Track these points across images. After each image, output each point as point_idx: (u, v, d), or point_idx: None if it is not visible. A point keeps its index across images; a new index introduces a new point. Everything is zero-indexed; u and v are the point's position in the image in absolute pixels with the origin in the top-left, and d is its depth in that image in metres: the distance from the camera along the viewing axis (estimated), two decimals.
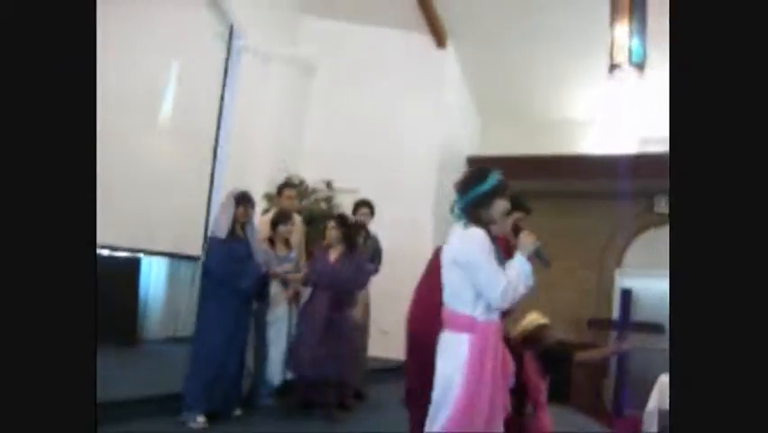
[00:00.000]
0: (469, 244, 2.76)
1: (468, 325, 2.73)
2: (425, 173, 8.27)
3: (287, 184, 6.16)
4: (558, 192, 8.72)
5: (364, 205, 6.03)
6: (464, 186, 2.90)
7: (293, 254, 5.50)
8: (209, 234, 5.16)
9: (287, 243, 5.46)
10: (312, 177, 7.99)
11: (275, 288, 5.27)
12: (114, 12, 6.79)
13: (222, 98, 8.20)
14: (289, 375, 5.29)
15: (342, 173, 8.00)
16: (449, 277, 2.84)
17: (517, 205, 3.27)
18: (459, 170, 8.51)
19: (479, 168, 3.02)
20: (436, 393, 2.77)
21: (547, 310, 3.93)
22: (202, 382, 4.63)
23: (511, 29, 7.79)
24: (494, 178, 2.87)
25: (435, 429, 2.73)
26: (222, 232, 4.82)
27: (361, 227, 5.79)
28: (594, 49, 7.07)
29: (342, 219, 5.37)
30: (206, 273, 4.92)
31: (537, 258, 2.84)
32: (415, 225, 7.99)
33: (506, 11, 7.62)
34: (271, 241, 5.36)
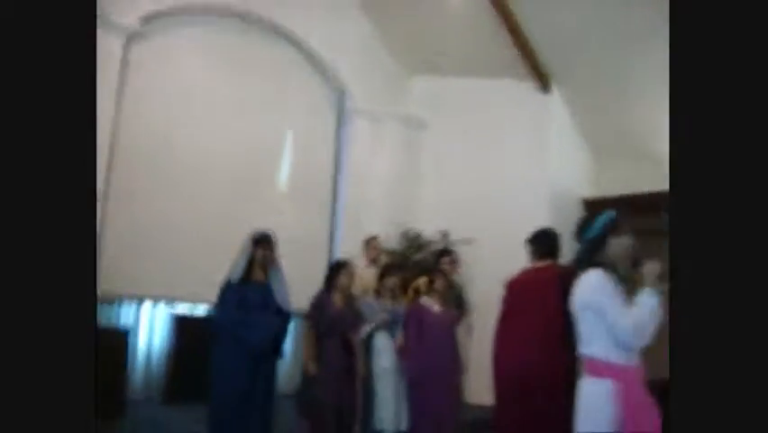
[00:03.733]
0: (588, 286, 2.72)
1: (609, 369, 2.62)
2: (539, 219, 8.07)
3: (374, 236, 6.64)
4: None
5: (446, 254, 6.09)
6: (576, 235, 2.92)
7: (400, 307, 5.54)
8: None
9: (393, 294, 5.54)
10: (428, 229, 8.10)
11: (382, 339, 5.35)
12: (236, 80, 7.45)
13: (336, 159, 8.59)
14: (403, 427, 5.28)
15: (458, 224, 8.03)
16: (583, 324, 2.76)
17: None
18: (575, 214, 8.32)
19: (585, 216, 3.00)
20: None
21: None
22: None
23: (613, 64, 7.61)
24: (601, 219, 2.82)
25: None
26: (236, 275, 4.27)
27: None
28: None
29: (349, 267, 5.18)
30: (215, 322, 4.33)
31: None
32: None
33: (605, 48, 7.48)
34: (378, 292, 5.49)
